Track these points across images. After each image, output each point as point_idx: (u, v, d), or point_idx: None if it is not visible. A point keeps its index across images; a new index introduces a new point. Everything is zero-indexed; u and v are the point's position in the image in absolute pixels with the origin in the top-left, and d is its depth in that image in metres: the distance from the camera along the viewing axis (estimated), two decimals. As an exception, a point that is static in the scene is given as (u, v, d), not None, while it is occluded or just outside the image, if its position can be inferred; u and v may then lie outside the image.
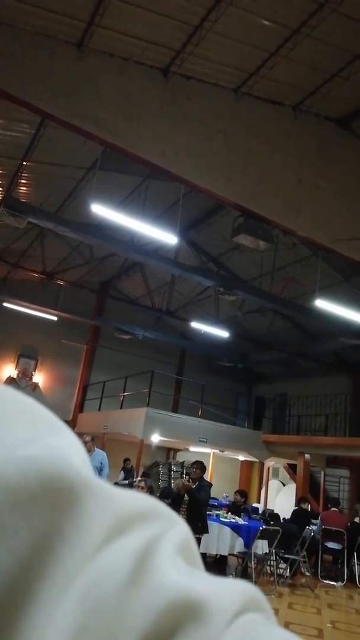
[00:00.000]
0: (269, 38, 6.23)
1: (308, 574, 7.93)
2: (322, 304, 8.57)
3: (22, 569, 0.18)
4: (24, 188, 9.28)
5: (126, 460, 10.98)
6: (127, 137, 6.33)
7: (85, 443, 6.43)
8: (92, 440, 6.58)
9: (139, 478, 7.90)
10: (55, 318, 13.16)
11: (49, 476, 0.19)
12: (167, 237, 7.88)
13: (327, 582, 8.01)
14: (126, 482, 9.73)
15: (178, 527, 0.23)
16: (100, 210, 7.26)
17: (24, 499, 0.18)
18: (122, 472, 10.80)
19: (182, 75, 6.84)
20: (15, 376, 14.33)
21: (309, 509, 9.24)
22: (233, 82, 7.10)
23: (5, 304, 12.61)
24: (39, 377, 14.74)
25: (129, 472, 10.51)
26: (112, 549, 0.20)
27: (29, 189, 9.39)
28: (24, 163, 8.11)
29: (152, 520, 0.22)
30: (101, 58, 6.32)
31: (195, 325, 12.58)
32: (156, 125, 6.58)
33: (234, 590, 0.21)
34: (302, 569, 7.90)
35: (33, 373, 14.66)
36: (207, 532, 6.33)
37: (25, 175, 8.70)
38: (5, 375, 14.19)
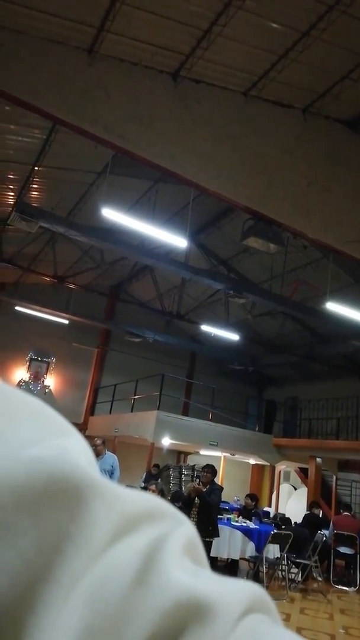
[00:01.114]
0: (278, 41, 6.24)
1: (320, 578, 7.86)
2: (333, 307, 8.52)
3: (28, 569, 0.18)
4: (35, 193, 9.37)
5: (154, 466, 10.97)
6: (137, 141, 6.37)
7: (96, 446, 6.44)
8: (103, 444, 6.60)
9: (152, 481, 7.91)
10: (66, 321, 13.24)
11: (55, 477, 0.19)
12: (177, 241, 7.90)
13: (339, 587, 7.94)
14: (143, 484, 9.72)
15: (184, 526, 0.23)
16: (111, 214, 7.30)
17: (30, 499, 0.18)
18: (145, 474, 10.77)
19: (192, 79, 6.87)
20: (27, 379, 14.43)
21: (321, 515, 9.17)
22: (242, 86, 7.12)
23: (17, 308, 12.72)
24: (51, 380, 14.83)
25: (152, 477, 10.46)
26: (118, 548, 0.20)
27: (41, 193, 9.49)
28: (36, 168, 8.19)
29: (158, 520, 0.23)
30: (111, 63, 6.38)
31: (205, 328, 12.57)
32: (166, 129, 6.62)
33: (240, 590, 0.21)
34: (314, 574, 7.83)
35: (45, 376, 14.75)
36: (217, 535, 6.31)
37: (37, 180, 8.78)
38: (17, 379, 14.30)
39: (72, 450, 0.21)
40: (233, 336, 12.32)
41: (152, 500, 0.23)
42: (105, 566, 0.19)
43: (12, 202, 9.07)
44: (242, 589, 0.21)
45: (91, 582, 0.19)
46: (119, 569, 0.20)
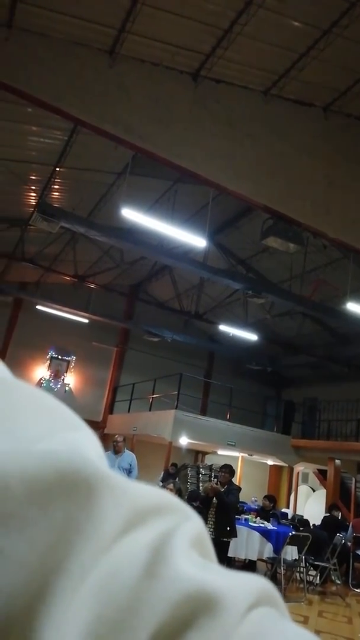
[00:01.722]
0: (299, 39, 6.20)
1: (339, 581, 7.79)
2: (354, 307, 8.42)
3: (39, 560, 0.18)
4: (56, 193, 9.49)
5: (171, 465, 11.04)
6: (157, 142, 6.40)
7: (117, 443, 6.50)
8: (124, 441, 6.65)
9: (169, 480, 7.93)
10: (86, 321, 13.37)
11: (66, 469, 0.20)
12: (196, 241, 7.91)
13: (358, 590, 7.84)
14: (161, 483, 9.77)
15: (192, 521, 0.23)
16: (131, 214, 7.35)
17: (42, 491, 0.19)
18: (162, 473, 10.83)
19: (212, 79, 6.87)
20: (47, 377, 14.62)
21: (340, 517, 9.07)
22: (262, 85, 7.09)
23: (38, 307, 12.90)
24: (70, 379, 14.99)
25: (170, 476, 10.50)
26: (127, 541, 0.21)
27: (62, 194, 9.60)
28: (57, 169, 8.29)
29: (167, 514, 0.23)
30: (132, 64, 6.42)
31: (223, 328, 12.55)
32: (186, 129, 6.64)
33: (248, 584, 0.21)
34: (333, 577, 7.76)
35: (65, 374, 14.91)
36: (235, 536, 6.30)
37: (58, 180, 8.89)
38: (37, 377, 14.50)
39: (83, 444, 0.22)
40: (251, 336, 12.27)
41: (160, 495, 0.23)
42: (115, 558, 0.20)
43: (33, 203, 9.20)
44: (250, 583, 0.21)
45: (101, 574, 0.19)
46: (128, 561, 0.20)
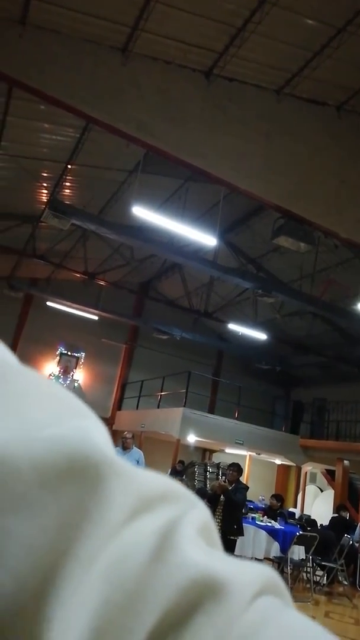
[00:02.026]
0: (313, 38, 6.16)
1: (346, 582, 7.76)
2: (365, 308, 8.37)
3: (49, 544, 0.18)
4: (68, 191, 9.53)
5: (179, 462, 11.09)
6: (169, 140, 6.41)
7: (125, 439, 6.54)
8: (132, 438, 6.69)
9: (177, 477, 7.95)
10: (96, 317, 13.43)
11: (76, 455, 0.20)
12: (207, 239, 7.91)
13: (365, 592, 7.81)
14: None
15: (198, 509, 0.23)
16: (142, 212, 7.37)
17: (52, 476, 0.19)
18: (170, 471, 10.88)
19: (225, 77, 6.85)
20: (56, 373, 14.72)
21: (348, 518, 9.04)
22: (276, 83, 7.06)
23: (48, 303, 12.98)
24: (80, 375, 15.08)
25: (177, 474, 10.56)
26: (134, 528, 0.21)
27: (73, 191, 9.64)
28: (69, 166, 8.33)
29: (173, 501, 0.23)
30: (145, 62, 6.42)
31: (232, 327, 12.54)
32: (198, 127, 6.63)
33: (253, 572, 0.22)
34: (340, 578, 7.73)
35: (74, 370, 15.01)
36: (242, 534, 6.31)
37: (70, 178, 8.93)
38: (47, 373, 14.60)
39: (92, 431, 0.22)
40: (261, 335, 12.25)
41: (167, 483, 0.24)
42: (122, 544, 0.20)
43: (45, 200, 9.26)
44: (256, 571, 0.22)
45: (109, 559, 0.20)
46: (135, 546, 0.20)
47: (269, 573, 0.22)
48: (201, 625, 0.19)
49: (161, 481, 0.24)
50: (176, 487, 0.24)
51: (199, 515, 0.23)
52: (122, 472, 0.22)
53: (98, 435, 0.22)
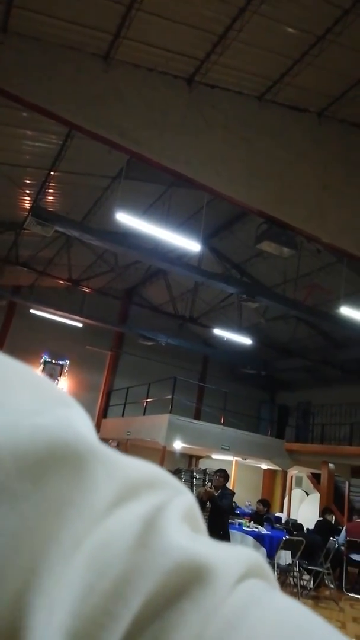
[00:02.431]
0: (293, 45, 6.24)
1: (332, 586, 7.78)
2: (348, 311, 8.46)
3: (30, 532, 0.18)
4: (51, 197, 9.48)
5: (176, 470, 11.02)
6: (151, 146, 6.42)
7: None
8: (118, 446, 6.63)
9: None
10: (80, 324, 13.34)
11: (57, 443, 0.20)
12: (191, 245, 7.92)
13: (352, 595, 7.84)
14: None
15: (183, 495, 0.24)
16: (125, 218, 7.36)
17: (33, 465, 0.19)
18: None
19: (207, 84, 6.90)
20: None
21: (333, 521, 9.08)
22: (257, 90, 7.13)
23: (32, 311, 12.85)
24: (64, 383, 14.93)
25: None
26: (119, 513, 0.21)
27: (56, 198, 9.59)
28: (52, 173, 8.29)
29: (159, 488, 0.23)
30: (126, 69, 6.43)
31: (218, 332, 12.57)
32: (180, 134, 6.65)
33: (238, 555, 0.22)
34: (327, 581, 7.75)
35: (58, 379, 14.86)
36: (228, 540, 6.29)
37: (53, 184, 8.88)
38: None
39: (74, 419, 0.22)
40: (246, 340, 12.30)
41: (152, 469, 0.24)
42: (107, 530, 0.20)
43: (28, 207, 9.19)
44: (241, 554, 0.22)
45: (93, 545, 0.20)
46: (120, 532, 0.20)
47: (253, 556, 0.22)
48: (186, 609, 0.19)
49: (147, 468, 0.24)
50: (162, 474, 0.24)
51: (184, 502, 0.23)
52: (106, 459, 0.22)
53: (80, 423, 0.22)
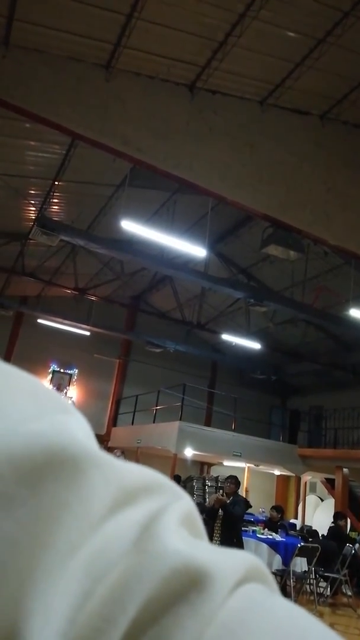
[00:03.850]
0: (294, 49, 6.24)
1: (350, 593, 7.64)
2: (357, 314, 8.38)
3: (28, 538, 0.18)
4: (55, 207, 9.53)
5: (174, 477, 10.92)
6: (155, 154, 6.43)
7: (115, 457, 6.43)
8: (123, 454, 6.59)
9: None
10: (87, 333, 13.35)
11: (54, 449, 0.20)
12: (196, 250, 7.91)
13: (370, 602, 7.69)
14: None
15: (182, 500, 0.23)
16: (130, 226, 7.36)
17: (29, 471, 0.19)
18: None
19: (208, 90, 6.91)
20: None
21: (349, 526, 8.89)
22: (259, 95, 7.13)
23: (39, 320, 12.89)
24: (73, 392, 14.93)
25: None
26: (116, 519, 0.21)
27: (61, 207, 9.63)
28: (56, 183, 8.33)
29: (156, 493, 0.23)
30: (128, 78, 6.46)
31: (226, 337, 12.51)
32: (183, 140, 6.66)
33: (236, 559, 0.21)
34: (344, 588, 7.61)
35: (67, 388, 14.86)
36: (242, 548, 6.19)
37: (57, 194, 8.93)
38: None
39: (71, 425, 0.22)
40: (254, 345, 12.23)
41: (150, 474, 0.24)
42: (104, 535, 0.20)
43: (33, 217, 9.23)
44: (239, 558, 0.21)
45: (90, 551, 0.19)
46: (117, 538, 0.20)
47: (252, 560, 0.22)
48: (184, 614, 0.19)
49: (145, 473, 0.23)
50: (160, 478, 0.24)
51: (182, 506, 0.23)
52: (104, 464, 0.22)
53: (78, 429, 0.22)
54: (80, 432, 0.22)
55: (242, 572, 0.21)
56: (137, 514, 0.21)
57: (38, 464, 0.19)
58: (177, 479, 10.91)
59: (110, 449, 13.28)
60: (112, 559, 0.19)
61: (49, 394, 0.25)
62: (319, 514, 13.67)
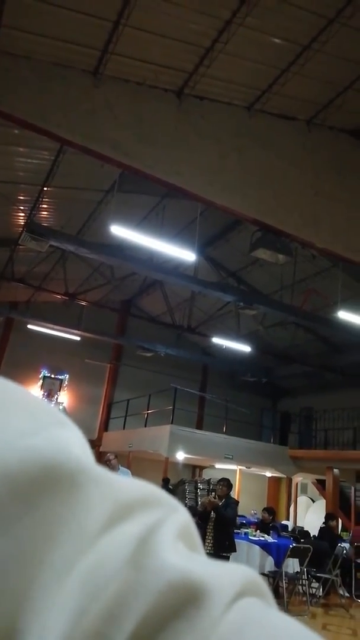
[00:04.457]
0: (280, 55, 6.33)
1: (347, 593, 7.68)
2: (345, 315, 8.47)
3: (23, 554, 0.18)
4: (45, 213, 9.52)
5: (163, 480, 10.91)
6: (143, 159, 6.46)
7: (109, 461, 6.43)
8: (116, 458, 6.59)
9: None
10: (78, 338, 13.32)
11: (49, 465, 0.20)
12: (186, 255, 7.95)
13: (362, 601, 7.75)
14: None
15: (178, 513, 0.23)
16: (120, 231, 7.39)
17: (25, 487, 0.19)
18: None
19: (196, 96, 6.97)
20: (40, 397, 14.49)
21: (339, 527, 8.95)
22: (246, 100, 7.21)
23: (29, 326, 12.84)
24: (64, 397, 14.87)
25: (167, 492, 10.36)
26: (112, 534, 0.21)
27: (50, 213, 9.63)
28: (45, 188, 8.33)
29: (153, 506, 0.23)
30: (116, 84, 6.50)
31: (216, 340, 12.56)
32: (172, 145, 6.71)
33: (233, 573, 0.21)
34: (340, 591, 7.65)
35: (58, 393, 14.80)
36: (234, 550, 6.22)
37: (46, 200, 8.92)
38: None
39: (67, 439, 0.22)
40: (245, 348, 12.29)
41: (146, 488, 0.24)
42: (100, 551, 0.20)
43: (22, 223, 9.22)
44: (235, 573, 0.21)
45: (86, 567, 0.19)
46: (113, 553, 0.20)
47: (249, 574, 0.22)
48: (181, 630, 0.18)
49: (141, 487, 0.23)
50: (157, 492, 0.24)
51: (179, 520, 0.23)
52: (100, 479, 0.22)
53: (73, 443, 0.22)
54: (76, 446, 0.22)
55: (239, 586, 0.21)
56: (133, 528, 0.21)
57: (34, 480, 0.19)
58: (165, 482, 10.91)
59: (102, 454, 13.25)
60: (108, 575, 0.19)
61: (43, 407, 0.25)
62: (310, 515, 13.73)
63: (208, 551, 5.59)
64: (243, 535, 7.30)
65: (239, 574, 0.21)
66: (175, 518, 0.23)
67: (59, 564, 0.19)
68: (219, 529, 5.89)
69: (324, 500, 12.44)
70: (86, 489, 0.21)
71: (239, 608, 0.20)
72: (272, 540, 7.39)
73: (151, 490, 0.24)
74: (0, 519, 0.18)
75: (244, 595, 0.21)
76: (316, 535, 9.01)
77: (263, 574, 7.09)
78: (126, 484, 0.23)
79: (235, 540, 6.36)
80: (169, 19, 5.71)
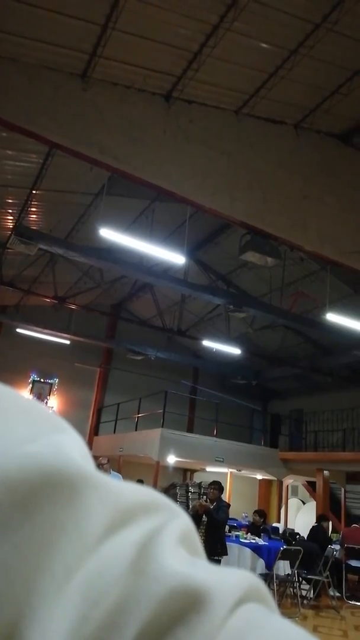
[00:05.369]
0: (267, 60, 6.38)
1: (338, 594, 7.71)
2: (334, 318, 8.53)
3: (23, 562, 0.18)
4: (34, 216, 9.47)
5: (138, 481, 10.87)
6: (132, 162, 6.47)
7: (101, 465, 6.40)
8: (108, 462, 6.56)
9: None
10: (68, 342, 13.25)
11: (49, 472, 0.20)
12: (175, 258, 7.96)
13: (352, 602, 7.78)
14: None
15: (179, 518, 0.23)
16: (109, 234, 7.37)
17: (24, 494, 0.19)
18: None
19: (184, 100, 7.00)
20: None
21: (330, 528, 8.99)
22: (234, 104, 7.25)
23: (18, 330, 12.74)
24: (54, 401, 14.78)
25: None
26: (113, 541, 0.21)
27: (39, 216, 9.59)
28: (34, 191, 8.29)
29: (153, 512, 0.23)
30: (105, 87, 6.51)
31: (206, 343, 12.57)
32: (160, 149, 6.72)
33: (235, 579, 0.21)
34: (330, 592, 7.68)
35: (48, 398, 14.70)
36: (226, 553, 6.22)
37: (35, 203, 8.88)
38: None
39: (66, 445, 0.22)
40: (235, 350, 12.31)
41: (147, 493, 0.24)
42: (101, 557, 0.20)
43: (11, 226, 9.16)
44: (238, 578, 0.21)
45: (86, 574, 0.19)
46: (114, 559, 0.20)
47: (251, 579, 0.22)
48: (183, 636, 0.18)
49: (142, 492, 0.23)
50: (156, 497, 0.24)
51: (180, 525, 0.23)
52: (100, 485, 0.21)
53: (73, 449, 0.22)
54: (75, 452, 0.22)
55: (241, 592, 0.21)
56: (134, 534, 0.21)
57: (34, 487, 0.19)
58: (139, 482, 10.84)
59: (94, 458, 13.16)
60: (109, 582, 0.19)
61: (43, 413, 0.25)
62: (301, 517, 13.77)
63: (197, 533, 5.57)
64: (234, 538, 7.30)
65: (241, 580, 0.21)
66: (176, 523, 0.23)
67: (60, 571, 0.19)
68: (210, 533, 5.89)
69: (315, 502, 12.48)
70: (86, 495, 0.20)
71: (241, 614, 0.20)
72: (263, 543, 7.40)
73: (152, 495, 0.24)
74: (0, 526, 0.18)
75: (246, 600, 0.21)
76: (303, 537, 9.03)
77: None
78: (126, 490, 0.23)
79: (227, 543, 6.36)
80: (157, 23, 5.73)
